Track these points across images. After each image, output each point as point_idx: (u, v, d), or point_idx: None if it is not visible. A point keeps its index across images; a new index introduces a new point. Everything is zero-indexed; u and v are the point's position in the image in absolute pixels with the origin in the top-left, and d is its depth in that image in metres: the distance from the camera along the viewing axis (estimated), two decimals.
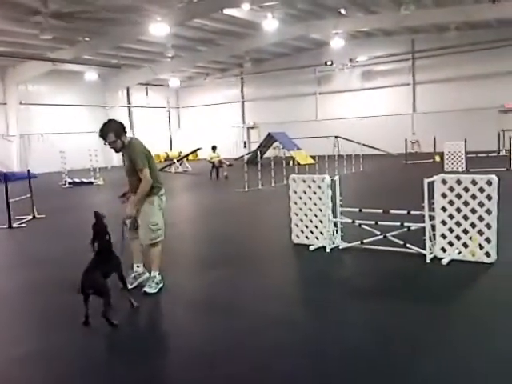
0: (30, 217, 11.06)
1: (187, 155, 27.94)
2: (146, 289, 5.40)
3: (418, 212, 6.36)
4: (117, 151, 5.45)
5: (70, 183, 19.53)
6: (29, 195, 11.36)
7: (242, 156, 25.43)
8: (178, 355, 4.01)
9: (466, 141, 18.43)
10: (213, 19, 22.81)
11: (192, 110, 40.15)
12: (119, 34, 23.01)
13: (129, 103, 36.22)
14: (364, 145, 25.76)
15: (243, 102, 37.99)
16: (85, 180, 19.97)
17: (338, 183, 7.13)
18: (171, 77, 35.21)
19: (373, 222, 6.84)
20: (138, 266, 5.69)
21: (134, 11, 19.92)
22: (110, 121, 5.46)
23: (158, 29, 20.20)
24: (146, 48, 27.00)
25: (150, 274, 5.57)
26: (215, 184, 18.69)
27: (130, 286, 5.26)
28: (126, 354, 4.09)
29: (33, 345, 4.31)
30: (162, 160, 32.74)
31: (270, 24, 22.08)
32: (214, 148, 20.80)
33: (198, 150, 28.09)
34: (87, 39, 23.76)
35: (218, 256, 7.10)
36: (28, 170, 12.83)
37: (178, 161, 26.51)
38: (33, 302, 5.53)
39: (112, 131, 5.30)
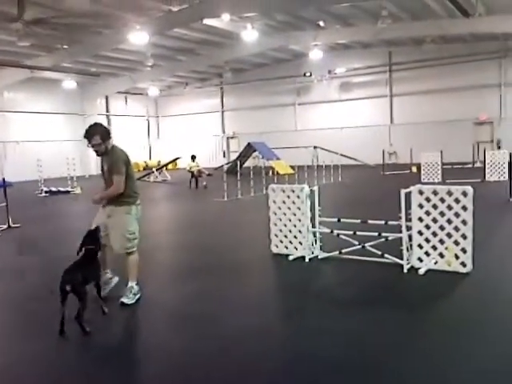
0: (5, 226, 10.86)
1: (166, 164, 27.81)
2: (124, 299, 5.34)
3: (395, 222, 6.44)
4: (98, 155, 5.43)
5: (46, 192, 19.23)
6: (4, 204, 11.15)
7: (222, 165, 25.43)
8: (156, 367, 3.96)
9: (442, 152, 18.75)
10: (193, 29, 22.86)
11: (171, 119, 40.05)
12: (98, 42, 22.88)
13: (107, 112, 35.94)
14: (342, 155, 26.06)
15: (223, 111, 38.07)
16: (62, 189, 19.70)
17: (316, 193, 7.18)
18: (150, 86, 35.10)
19: (351, 232, 6.90)
20: (106, 273, 5.62)
21: (114, 20, 19.85)
22: (96, 124, 5.47)
23: (138, 38, 20.14)
24: (125, 56, 26.90)
25: (126, 284, 5.50)
26: (194, 193, 18.63)
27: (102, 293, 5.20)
28: (101, 365, 4.02)
29: (3, 358, 4.22)
30: (141, 169, 32.50)
31: (250, 35, 22.21)
32: (193, 157, 20.75)
33: (177, 159, 27.98)
34: (65, 47, 23.53)
35: (196, 266, 7.06)
36: (3, 179, 12.62)
37: (157, 170, 26.35)
38: (4, 312, 5.42)
39: (98, 134, 5.31)
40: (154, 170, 26.48)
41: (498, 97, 28.20)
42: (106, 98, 35.45)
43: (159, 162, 33.58)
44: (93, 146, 5.34)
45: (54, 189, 19.53)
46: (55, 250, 8.43)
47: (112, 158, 5.41)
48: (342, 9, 21.57)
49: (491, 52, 27.32)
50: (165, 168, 27.06)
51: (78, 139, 31.84)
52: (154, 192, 20.08)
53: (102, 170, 5.54)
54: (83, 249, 4.92)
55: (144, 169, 32.07)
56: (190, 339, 4.43)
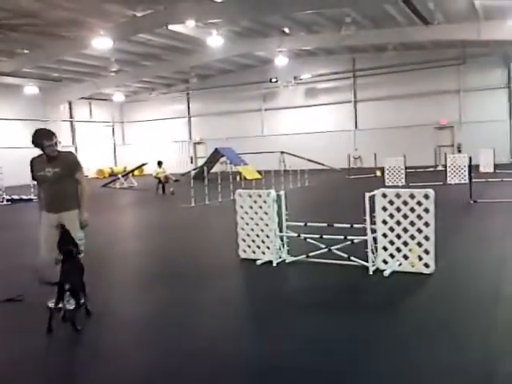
0: None
1: (132, 170, 27.48)
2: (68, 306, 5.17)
3: (360, 225, 6.55)
4: (51, 157, 5.21)
5: (8, 200, 18.72)
6: None
7: (189, 171, 25.31)
8: (117, 379, 3.91)
9: (405, 156, 19.19)
10: (157, 34, 22.75)
11: (137, 125, 39.65)
12: (61, 47, 22.51)
13: (71, 117, 35.31)
14: (309, 160, 26.33)
15: (189, 117, 37.94)
16: (24, 197, 19.21)
17: (283, 198, 7.24)
18: (115, 91, 34.69)
19: (318, 236, 6.99)
20: None
21: (77, 24, 19.56)
22: (44, 128, 5.34)
23: (101, 43, 19.93)
24: (88, 62, 26.52)
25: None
26: (161, 200, 18.47)
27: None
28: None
29: None
30: (107, 175, 32.02)
31: (215, 41, 22.27)
32: (159, 163, 20.60)
33: (143, 165, 27.70)
34: (26, 51, 23.07)
35: (163, 273, 7.00)
36: None
37: (122, 176, 26.02)
38: None
39: (54, 134, 5.23)
40: (119, 176, 26.13)
41: (458, 102, 29.09)
42: (70, 103, 34.83)
43: (125, 168, 33.11)
44: (49, 147, 5.16)
45: (15, 197, 19.04)
46: (18, 258, 8.21)
47: (68, 159, 5.37)
48: (307, 16, 21.87)
49: (450, 59, 28.18)
50: (131, 174, 26.74)
51: None
52: (120, 199, 19.83)
53: (45, 175, 5.25)
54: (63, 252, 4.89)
55: (110, 175, 31.59)
56: (154, 348, 4.39)
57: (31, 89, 28.72)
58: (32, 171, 5.39)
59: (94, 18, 19.19)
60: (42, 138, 5.18)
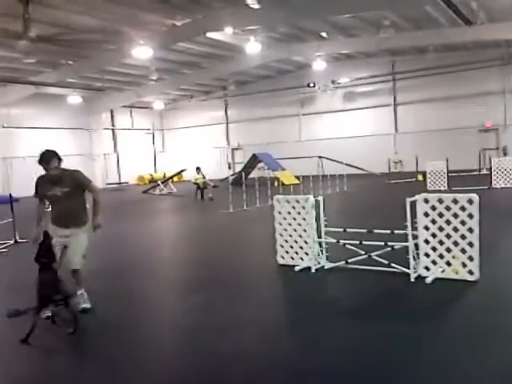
0: (12, 241, 10.89)
1: (172, 177, 27.89)
2: (86, 305, 5.56)
3: (401, 231, 6.41)
4: (54, 179, 5.43)
5: None
6: (10, 219, 11.20)
7: (227, 177, 25.48)
8: (160, 377, 3.95)
9: (447, 160, 18.70)
10: (196, 42, 23.06)
11: (176, 132, 40.27)
12: (102, 57, 23.11)
13: (113, 126, 36.20)
14: (347, 164, 26.02)
15: (227, 123, 38.22)
16: None
17: (322, 203, 7.17)
18: (155, 99, 35.36)
19: (357, 242, 6.88)
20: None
21: (118, 35, 20.05)
22: (48, 150, 5.48)
23: (142, 52, 20.33)
24: (129, 71, 27.13)
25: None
26: (200, 205, 18.65)
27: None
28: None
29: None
30: (147, 182, 32.61)
31: (253, 47, 22.36)
32: (198, 169, 20.82)
33: (182, 171, 28.08)
34: (70, 62, 23.80)
35: (202, 279, 7.04)
36: (10, 194, 12.68)
37: (162, 182, 26.44)
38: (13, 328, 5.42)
39: (55, 157, 5.40)
40: (159, 182, 26.57)
41: (503, 103, 28.17)
42: (112, 112, 35.73)
43: (165, 174, 33.68)
44: (51, 170, 5.38)
45: None
46: None
47: (74, 177, 5.60)
48: (345, 19, 21.69)
49: (494, 59, 27.33)
50: (170, 180, 27.15)
51: (83, 153, 32.16)
52: (160, 205, 20.13)
53: (55, 194, 5.48)
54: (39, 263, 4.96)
55: (149, 182, 32.17)
56: (195, 354, 4.41)
57: (74, 98, 29.60)
58: (37, 191, 5.67)
59: (134, 28, 19.61)
60: (44, 161, 5.36)
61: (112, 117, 36.10)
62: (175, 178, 28.88)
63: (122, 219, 14.93)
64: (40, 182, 5.63)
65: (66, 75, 25.21)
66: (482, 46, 26.40)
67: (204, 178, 20.54)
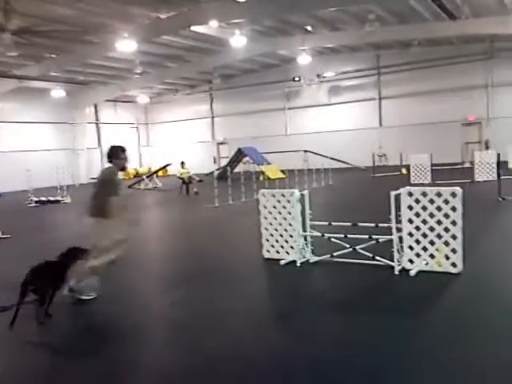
0: None
1: (156, 171, 27.74)
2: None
3: (385, 224, 6.46)
4: (122, 168, 6.03)
5: (36, 202, 19.08)
6: None
7: (212, 171, 25.41)
8: (145, 374, 3.94)
9: (431, 154, 18.86)
10: (181, 36, 22.88)
11: (161, 126, 40.02)
12: (86, 50, 22.83)
13: (97, 120, 35.84)
14: (332, 158, 26.13)
15: (213, 117, 38.08)
16: (52, 198, 19.57)
17: (307, 197, 7.19)
18: (140, 93, 35.07)
19: (342, 235, 6.91)
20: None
21: (102, 28, 19.82)
22: (114, 145, 6.17)
23: (126, 46, 20.11)
24: (113, 64, 26.83)
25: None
26: (185, 200, 18.59)
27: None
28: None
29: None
30: (132, 177, 32.38)
31: (238, 41, 22.26)
32: (182, 164, 20.72)
33: (167, 165, 27.93)
34: (53, 56, 23.47)
35: (188, 273, 7.03)
36: None
37: (147, 177, 26.29)
38: None
39: (125, 150, 6.10)
40: (144, 177, 26.41)
41: (486, 98, 28.46)
42: (95, 106, 35.36)
43: (150, 169, 33.52)
44: (124, 159, 6.03)
45: (43, 199, 19.40)
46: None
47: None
48: (330, 13, 21.69)
49: (478, 54, 27.61)
50: (155, 175, 26.99)
51: (67, 148, 31.80)
52: (145, 199, 20.03)
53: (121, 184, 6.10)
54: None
55: (134, 176, 31.95)
56: (181, 346, 4.41)
57: (58, 92, 29.24)
58: (114, 180, 5.93)
59: (119, 21, 19.40)
60: (117, 152, 5.98)
61: (96, 111, 35.73)
62: (160, 173, 28.72)
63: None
64: (113, 172, 5.96)
65: (49, 69, 24.86)
66: (466, 40, 26.64)
67: (189, 172, 20.46)
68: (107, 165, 6.01)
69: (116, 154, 5.96)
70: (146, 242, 9.98)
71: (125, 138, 37.80)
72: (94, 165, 32.06)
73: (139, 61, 25.13)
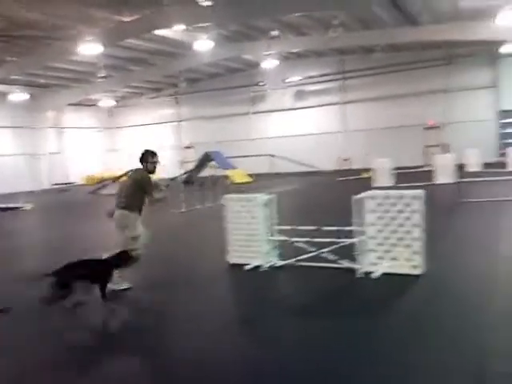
0: None
1: (121, 176, 27.29)
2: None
3: (349, 228, 6.54)
4: (152, 172, 6.69)
5: None
6: None
7: (178, 176, 25.23)
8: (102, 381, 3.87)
9: (393, 157, 19.24)
10: (145, 39, 22.68)
11: (126, 131, 39.51)
12: (48, 53, 22.36)
13: (60, 124, 35.08)
14: (298, 162, 26.34)
15: (179, 121, 37.84)
16: (11, 205, 19.00)
17: (272, 201, 7.22)
18: (104, 97, 34.53)
19: (307, 239, 6.96)
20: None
21: (64, 31, 19.45)
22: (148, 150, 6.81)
23: (89, 49, 19.79)
24: (77, 68, 26.39)
25: None
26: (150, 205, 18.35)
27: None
28: None
29: None
30: (95, 182, 31.80)
31: (203, 45, 22.21)
32: None
33: (131, 170, 27.52)
34: (14, 59, 22.89)
35: (152, 279, 6.95)
36: None
37: (112, 182, 25.86)
38: None
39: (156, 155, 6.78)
40: (108, 182, 25.98)
41: (445, 102, 29.27)
42: (58, 110, 34.63)
43: (114, 174, 32.99)
44: (155, 163, 6.70)
45: (2, 205, 18.83)
46: (3, 269, 8.13)
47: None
48: (295, 18, 21.91)
49: (437, 59, 28.40)
50: (119, 180, 26.56)
51: (27, 153, 30.99)
52: (108, 205, 19.70)
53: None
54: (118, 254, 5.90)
55: (98, 181, 31.38)
56: (144, 354, 4.35)
57: (18, 96, 28.48)
58: (150, 182, 6.59)
59: (81, 24, 19.08)
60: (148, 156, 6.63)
61: (59, 115, 34.98)
62: (125, 178, 28.28)
63: (68, 221, 14.53)
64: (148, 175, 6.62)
65: (10, 72, 24.22)
66: (426, 46, 27.34)
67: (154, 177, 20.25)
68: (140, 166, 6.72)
69: (146, 158, 6.61)
70: (106, 250, 9.81)
71: (89, 142, 37.20)
72: (56, 170, 31.37)
73: (103, 64, 24.77)
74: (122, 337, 4.95)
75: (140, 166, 6.71)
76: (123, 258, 5.91)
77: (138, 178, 6.61)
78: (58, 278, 5.28)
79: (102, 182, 28.24)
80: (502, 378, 3.57)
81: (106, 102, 34.99)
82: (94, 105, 36.08)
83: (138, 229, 6.54)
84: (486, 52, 27.16)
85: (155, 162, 6.72)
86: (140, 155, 6.75)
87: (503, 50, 25.32)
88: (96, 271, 5.65)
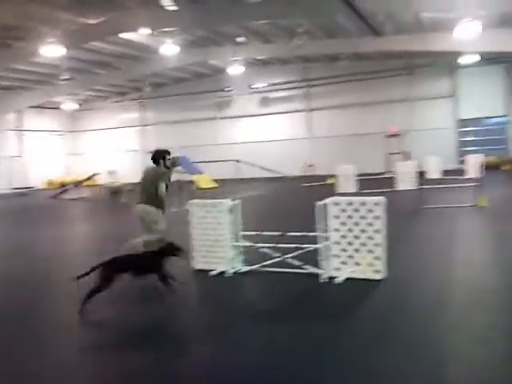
0: None
1: (83, 180, 26.83)
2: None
3: (313, 233, 6.63)
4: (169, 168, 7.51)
5: None
6: None
7: None
8: None
9: (357, 164, 19.60)
10: (110, 42, 22.44)
11: (90, 134, 38.87)
12: (9, 55, 21.80)
13: (20, 127, 34.18)
14: (263, 168, 26.48)
15: (144, 126, 37.47)
16: None
17: (238, 207, 7.24)
18: (67, 100, 33.88)
19: (272, 245, 7.02)
20: None
21: (26, 32, 19.02)
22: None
23: (52, 51, 19.42)
24: (39, 70, 25.85)
25: None
26: (113, 210, 18.10)
27: None
28: None
29: None
30: (57, 186, 31.11)
31: (169, 49, 22.14)
32: (111, 173, 20.22)
33: (95, 175, 27.11)
34: None
35: (114, 288, 6.81)
36: None
37: (73, 186, 25.36)
38: None
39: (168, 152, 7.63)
40: (70, 186, 25.46)
41: (406, 111, 30.05)
42: (19, 112, 33.75)
43: (76, 178, 32.36)
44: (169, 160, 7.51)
45: None
46: None
47: None
48: (260, 25, 22.09)
49: (398, 69, 29.17)
50: (82, 184, 26.09)
51: None
52: (70, 210, 19.32)
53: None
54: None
55: (60, 186, 30.71)
56: (106, 367, 4.29)
57: None
58: (169, 179, 7.50)
59: (44, 25, 18.71)
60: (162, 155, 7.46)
61: (19, 117, 34.10)
62: (88, 182, 27.81)
63: (28, 227, 14.17)
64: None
65: None
66: (389, 56, 28.05)
67: (118, 181, 19.99)
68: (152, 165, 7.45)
69: (163, 156, 7.41)
70: (70, 257, 9.62)
71: (50, 145, 36.38)
72: (16, 174, 30.53)
73: (66, 66, 24.34)
74: (82, 352, 4.85)
75: (152, 164, 7.48)
76: (170, 249, 6.14)
77: (162, 175, 7.29)
78: (104, 270, 5.53)
79: (63, 187, 27.64)
80: (456, 382, 3.68)
81: (69, 105, 34.35)
82: (56, 108, 35.34)
83: (163, 223, 7.28)
84: (446, 63, 28.06)
85: (170, 159, 7.49)
86: (154, 154, 7.47)
87: (461, 60, 26.23)
88: (142, 264, 5.98)
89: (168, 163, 7.43)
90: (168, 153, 7.52)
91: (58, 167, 36.59)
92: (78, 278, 5.46)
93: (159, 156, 7.41)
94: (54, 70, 25.23)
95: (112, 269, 5.59)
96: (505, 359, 3.95)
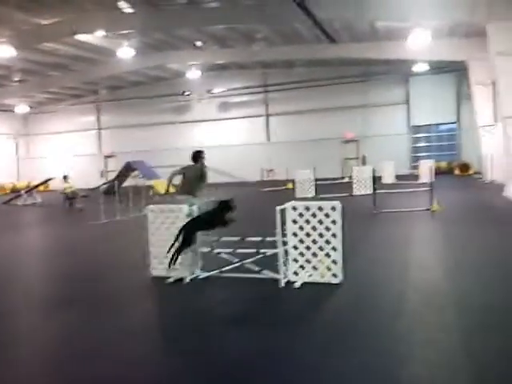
0: None
1: (37, 186, 26.01)
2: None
3: (272, 238, 6.66)
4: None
5: None
6: None
7: (99, 186, 24.43)
8: None
9: (314, 169, 19.84)
10: (65, 44, 21.94)
11: (44, 138, 37.82)
12: None
13: None
14: (222, 173, 26.45)
15: (99, 129, 36.76)
16: None
17: (196, 212, 7.19)
18: (19, 102, 32.83)
19: (231, 250, 7.00)
20: None
21: None
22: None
23: (2, 51, 18.78)
24: None
25: None
26: (68, 216, 17.66)
27: None
28: None
29: None
30: (8, 191, 30.06)
31: (126, 52, 21.80)
32: (65, 177, 19.69)
33: (49, 180, 26.36)
34: None
35: (70, 295, 6.64)
36: None
37: (26, 192, 24.54)
38: None
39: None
40: (22, 192, 24.64)
41: (362, 117, 30.72)
42: None
43: (29, 183, 31.35)
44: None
45: None
46: None
47: None
48: (219, 30, 22.11)
49: (355, 76, 29.77)
50: (35, 190, 25.30)
51: None
52: (24, 216, 18.71)
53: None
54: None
55: (11, 191, 29.70)
56: (64, 378, 4.16)
57: None
58: (206, 174, 9.14)
59: None
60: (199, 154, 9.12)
61: None
62: (41, 188, 26.99)
63: None
64: None
65: None
66: (345, 63, 28.60)
67: (72, 187, 19.49)
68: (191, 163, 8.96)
69: (202, 155, 9.07)
70: (22, 264, 9.31)
71: (2, 149, 35.16)
72: None
73: (18, 68, 23.60)
74: (34, 361, 4.70)
75: (191, 163, 8.98)
76: (228, 205, 6.80)
77: (202, 171, 8.90)
78: (186, 230, 6.59)
79: (15, 192, 26.72)
80: (413, 379, 3.78)
81: (22, 107, 33.30)
82: (8, 110, 34.19)
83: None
84: (401, 70, 28.86)
85: (204, 159, 9.07)
86: (194, 154, 9.08)
87: (415, 68, 27.05)
88: (213, 220, 6.75)
89: (204, 162, 8.99)
90: (203, 152, 9.12)
91: (11, 172, 35.39)
92: (169, 249, 6.63)
93: (198, 155, 8.99)
94: (5, 71, 24.42)
95: (192, 227, 6.64)
96: (450, 359, 4.08)
